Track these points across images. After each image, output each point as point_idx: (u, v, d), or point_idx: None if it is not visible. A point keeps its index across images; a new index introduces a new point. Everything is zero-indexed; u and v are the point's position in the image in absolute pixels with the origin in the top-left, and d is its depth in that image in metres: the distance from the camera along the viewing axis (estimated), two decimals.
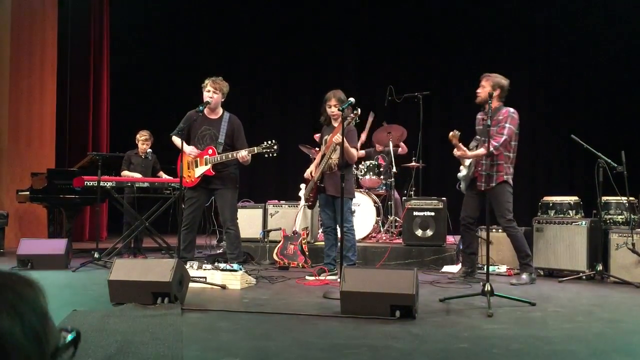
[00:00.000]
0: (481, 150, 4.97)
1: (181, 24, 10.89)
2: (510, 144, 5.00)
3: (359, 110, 4.96)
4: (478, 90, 5.10)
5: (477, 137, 5.19)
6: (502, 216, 5.02)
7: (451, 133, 4.94)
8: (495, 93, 4.94)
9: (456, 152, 5.06)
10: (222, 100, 5.35)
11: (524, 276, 5.08)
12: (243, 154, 5.11)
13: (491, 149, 4.70)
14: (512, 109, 5.03)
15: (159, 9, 10.49)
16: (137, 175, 6.77)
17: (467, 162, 5.19)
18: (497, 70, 8.87)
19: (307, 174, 5.44)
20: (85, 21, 9.70)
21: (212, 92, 5.22)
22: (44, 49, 8.98)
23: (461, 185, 5.34)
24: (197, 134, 5.32)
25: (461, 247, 5.69)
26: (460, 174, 5.29)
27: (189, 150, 5.23)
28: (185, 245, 5.23)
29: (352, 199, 5.45)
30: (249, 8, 10.87)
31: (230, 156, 5.14)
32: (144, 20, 10.36)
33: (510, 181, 5.04)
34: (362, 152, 7.46)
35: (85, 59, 9.66)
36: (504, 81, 5.08)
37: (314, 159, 7.45)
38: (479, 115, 5.26)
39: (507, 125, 4.96)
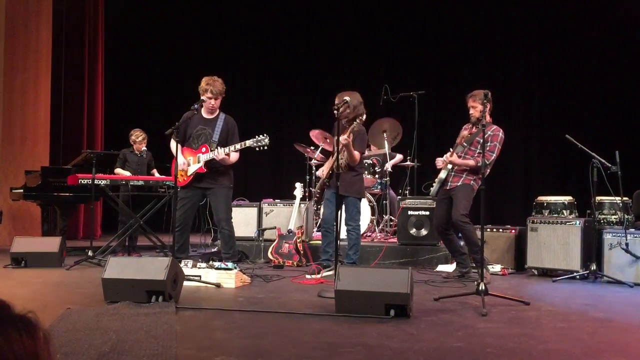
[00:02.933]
0: (470, 161, 5.09)
1: (176, 22, 10.85)
2: (490, 155, 5.06)
3: (364, 116, 5.13)
4: (471, 112, 5.18)
5: (465, 144, 5.20)
6: (458, 211, 5.04)
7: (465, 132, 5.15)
8: (487, 108, 4.94)
9: (449, 157, 5.13)
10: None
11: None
12: (219, 152, 5.12)
13: (480, 164, 4.76)
14: (499, 128, 5.14)
15: (154, 7, 10.45)
16: (128, 174, 6.76)
17: (449, 166, 5.23)
18: (493, 70, 8.87)
19: (319, 172, 5.50)
20: (80, 19, 9.65)
21: (213, 101, 5.21)
22: (39, 47, 8.93)
23: (432, 189, 5.35)
24: (193, 133, 5.31)
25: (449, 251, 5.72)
26: (441, 175, 5.28)
27: (180, 163, 5.21)
28: (179, 246, 5.21)
29: (360, 199, 5.51)
30: (244, 6, 10.85)
31: (216, 155, 5.14)
32: (139, 18, 10.32)
33: (475, 188, 5.05)
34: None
35: (79, 56, 9.61)
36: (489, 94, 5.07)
37: (309, 157, 7.50)
38: (466, 126, 5.34)
39: (497, 145, 5.07)
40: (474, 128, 5.21)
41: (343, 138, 4.94)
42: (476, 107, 5.12)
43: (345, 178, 5.19)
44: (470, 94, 5.19)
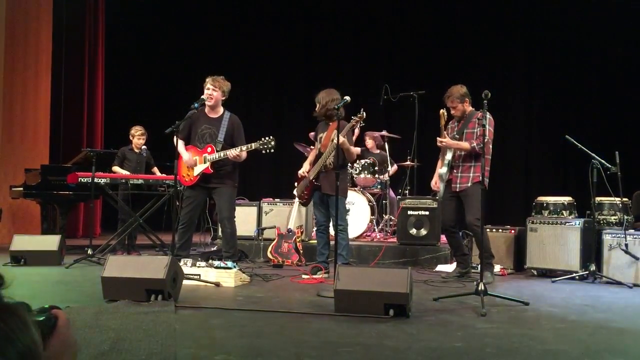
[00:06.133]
0: (465, 144, 5.07)
1: (176, 21, 10.86)
2: (489, 146, 5.05)
3: (364, 113, 5.02)
4: (452, 112, 5.22)
5: (457, 136, 5.21)
6: (473, 215, 5.00)
7: (441, 110, 5.10)
8: (466, 103, 5.17)
9: (440, 141, 5.13)
10: (223, 99, 5.33)
11: (488, 274, 5.00)
12: (234, 153, 5.11)
13: (474, 144, 4.95)
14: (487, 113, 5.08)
15: (154, 6, 10.45)
16: (126, 173, 6.75)
17: (447, 159, 5.21)
18: (493, 69, 8.83)
19: (301, 172, 5.38)
20: (81, 17, 9.66)
21: (211, 89, 5.21)
22: (39, 45, 8.94)
23: (439, 192, 5.33)
24: (198, 132, 5.31)
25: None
26: (440, 170, 5.27)
27: (186, 158, 5.21)
28: (181, 244, 5.21)
29: (345, 198, 5.46)
30: (244, 6, 10.85)
31: (228, 154, 5.14)
32: (140, 17, 10.32)
33: (485, 183, 5.00)
34: (358, 149, 7.46)
35: (80, 55, 9.62)
36: (464, 89, 5.20)
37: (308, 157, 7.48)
38: (451, 124, 5.35)
39: (490, 128, 5.04)
40: (460, 124, 5.24)
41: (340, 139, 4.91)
42: (456, 106, 5.18)
43: (330, 177, 5.04)
44: (446, 94, 5.22)
